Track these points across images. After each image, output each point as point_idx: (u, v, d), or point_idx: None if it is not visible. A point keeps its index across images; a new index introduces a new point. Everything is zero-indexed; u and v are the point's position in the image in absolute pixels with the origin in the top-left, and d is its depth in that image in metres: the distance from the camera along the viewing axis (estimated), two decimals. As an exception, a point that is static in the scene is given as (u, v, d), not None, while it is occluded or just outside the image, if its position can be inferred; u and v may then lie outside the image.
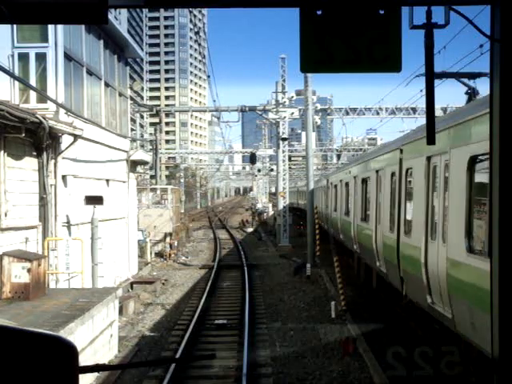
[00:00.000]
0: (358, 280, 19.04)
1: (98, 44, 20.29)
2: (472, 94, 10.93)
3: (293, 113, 35.52)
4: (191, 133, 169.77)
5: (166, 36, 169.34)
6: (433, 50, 2.85)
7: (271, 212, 57.03)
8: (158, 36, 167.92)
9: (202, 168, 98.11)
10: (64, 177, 16.38)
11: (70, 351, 1.60)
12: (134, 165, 24.47)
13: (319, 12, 2.67)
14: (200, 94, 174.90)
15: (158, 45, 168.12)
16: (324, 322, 15.96)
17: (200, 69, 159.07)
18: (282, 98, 35.37)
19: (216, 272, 26.33)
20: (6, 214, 13.54)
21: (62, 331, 9.98)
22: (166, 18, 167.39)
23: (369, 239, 15.57)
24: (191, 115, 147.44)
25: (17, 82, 15.77)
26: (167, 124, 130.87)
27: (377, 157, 15.79)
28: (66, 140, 16.02)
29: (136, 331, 15.97)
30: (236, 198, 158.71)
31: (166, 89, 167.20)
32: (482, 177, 7.66)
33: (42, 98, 15.94)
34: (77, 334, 10.87)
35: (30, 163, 14.96)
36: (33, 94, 16.14)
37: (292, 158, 59.26)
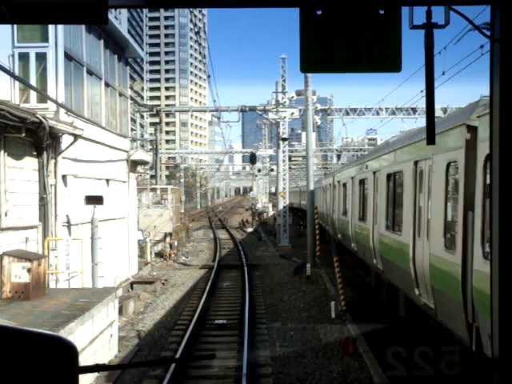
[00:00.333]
0: (378, 303, 15.58)
1: (99, 44, 20.29)
2: None
3: (293, 113, 35.52)
4: (191, 133, 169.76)
5: (166, 36, 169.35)
6: (433, 50, 2.85)
7: (271, 212, 57.02)
8: (158, 36, 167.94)
9: (202, 168, 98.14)
10: (64, 177, 16.38)
11: (69, 351, 1.60)
12: (134, 165, 24.47)
13: (319, 12, 2.67)
14: (200, 94, 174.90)
15: (158, 45, 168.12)
16: (324, 322, 15.95)
17: (200, 69, 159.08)
18: (282, 98, 35.37)
19: (216, 272, 26.32)
20: (6, 214, 13.54)
21: (61, 331, 9.98)
22: (166, 18, 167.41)
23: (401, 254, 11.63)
24: (191, 115, 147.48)
25: (17, 82, 15.77)
26: (167, 124, 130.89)
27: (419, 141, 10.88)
28: (66, 140, 16.02)
29: (136, 331, 15.97)
30: (236, 198, 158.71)
31: (166, 89, 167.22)
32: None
33: (43, 97, 15.94)
34: (77, 333, 10.87)
35: (30, 163, 14.96)
36: (33, 94, 16.14)
37: (292, 158, 59.30)
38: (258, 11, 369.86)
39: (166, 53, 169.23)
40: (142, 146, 49.79)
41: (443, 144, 8.83)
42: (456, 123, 8.38)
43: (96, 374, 11.24)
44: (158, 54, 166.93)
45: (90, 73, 19.17)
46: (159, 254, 31.93)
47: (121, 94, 23.13)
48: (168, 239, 33.45)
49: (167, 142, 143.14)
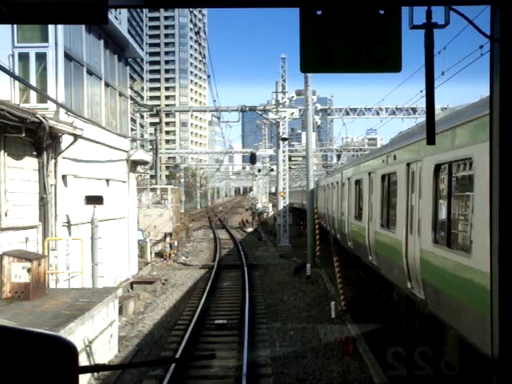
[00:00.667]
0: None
1: (99, 44, 20.29)
2: None
3: (293, 113, 35.51)
4: (191, 133, 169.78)
5: (166, 36, 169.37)
6: (433, 50, 2.85)
7: (271, 212, 57.01)
8: (158, 36, 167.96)
9: (202, 168, 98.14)
10: (64, 177, 16.38)
11: (69, 351, 1.60)
12: (134, 165, 24.47)
13: (319, 12, 2.67)
14: (200, 94, 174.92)
15: (158, 45, 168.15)
16: (324, 322, 15.95)
17: (200, 69, 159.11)
18: (282, 98, 35.37)
19: (216, 272, 26.33)
20: (6, 214, 13.54)
21: (62, 331, 9.98)
22: (166, 18, 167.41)
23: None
24: (191, 115, 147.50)
25: (17, 82, 15.77)
26: (167, 124, 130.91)
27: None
28: (66, 140, 16.02)
29: (136, 331, 15.97)
30: (236, 197, 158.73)
31: (166, 89, 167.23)
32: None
33: (42, 97, 15.94)
34: (77, 333, 10.87)
35: (30, 163, 14.96)
36: (33, 94, 16.14)
37: (292, 158, 59.28)
38: (257, 11, 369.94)
39: (166, 53, 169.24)
40: (142, 145, 49.80)
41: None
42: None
43: (96, 374, 11.24)
44: (157, 53, 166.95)
45: (89, 73, 19.17)
46: (159, 254, 31.93)
47: (121, 94, 23.13)
48: (168, 239, 33.46)
49: (167, 142, 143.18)
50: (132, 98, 31.79)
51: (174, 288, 22.88)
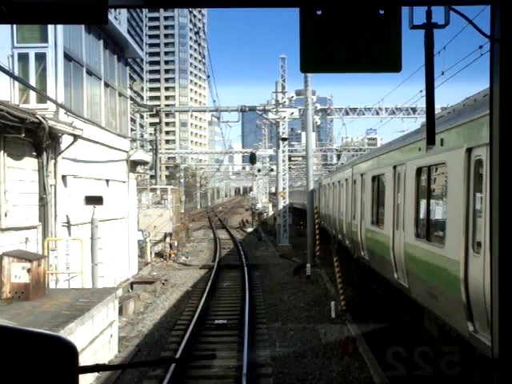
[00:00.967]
0: None
1: (98, 44, 20.29)
2: None
3: (293, 113, 35.52)
4: (191, 133, 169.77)
5: (166, 36, 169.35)
6: (433, 50, 2.85)
7: (271, 212, 57.00)
8: (157, 36, 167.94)
9: (202, 168, 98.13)
10: (64, 177, 16.38)
11: (69, 351, 1.60)
12: (133, 165, 24.48)
13: (319, 12, 2.68)
14: (200, 94, 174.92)
15: (157, 45, 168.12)
16: (324, 322, 15.95)
17: (200, 69, 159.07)
18: (282, 98, 35.37)
19: (216, 272, 26.32)
20: (6, 214, 13.54)
21: (61, 331, 9.98)
22: (165, 18, 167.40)
23: None
24: (191, 115, 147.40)
25: (16, 82, 15.77)
26: (167, 124, 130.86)
27: None
28: (65, 140, 16.02)
29: (136, 331, 15.97)
30: (236, 198, 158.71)
31: (166, 89, 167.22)
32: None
33: (42, 98, 15.94)
34: (77, 333, 10.87)
35: (30, 163, 14.96)
36: (32, 94, 16.14)
37: (292, 158, 59.29)
38: (257, 11, 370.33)
39: (166, 53, 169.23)
40: (142, 146, 49.81)
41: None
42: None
43: (96, 374, 11.24)
44: (157, 54, 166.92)
45: (89, 73, 19.17)
46: (159, 254, 31.93)
47: (120, 94, 23.13)
48: (168, 239, 33.45)
49: (167, 142, 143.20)
50: (132, 98, 31.78)
51: (174, 288, 22.88)
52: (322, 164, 70.60)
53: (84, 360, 10.60)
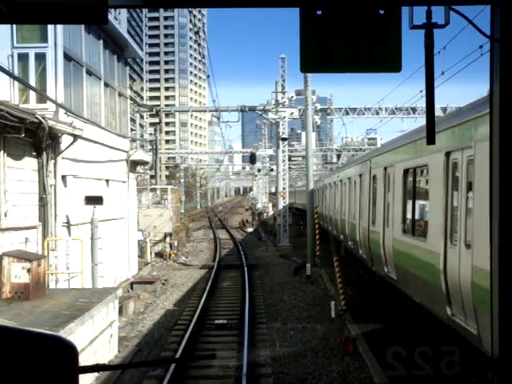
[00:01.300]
0: None
1: (98, 44, 20.29)
2: None
3: (293, 113, 35.51)
4: (191, 133, 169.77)
5: (166, 36, 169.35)
6: (433, 50, 2.85)
7: (271, 212, 57.00)
8: (157, 36, 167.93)
9: (202, 168, 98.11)
10: (64, 177, 16.38)
11: (69, 351, 1.60)
12: (133, 165, 24.47)
13: (319, 12, 2.68)
14: (200, 94, 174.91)
15: (157, 45, 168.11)
16: (324, 322, 15.95)
17: (200, 69, 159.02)
18: (282, 97, 35.37)
19: (216, 272, 26.33)
20: (5, 214, 13.54)
21: (61, 331, 9.98)
22: (165, 18, 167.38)
23: None
24: (191, 115, 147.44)
25: (16, 82, 15.77)
26: (167, 124, 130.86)
27: None
28: (65, 140, 16.02)
29: (136, 331, 15.97)
30: (236, 198, 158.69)
31: (166, 89, 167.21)
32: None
33: (42, 98, 15.94)
34: (77, 333, 10.87)
35: (30, 163, 14.96)
36: (32, 94, 16.13)
37: (292, 158, 59.25)
38: (257, 11, 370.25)
39: (166, 53, 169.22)
40: (142, 146, 49.79)
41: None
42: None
43: (96, 374, 11.24)
44: (157, 54, 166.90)
45: (89, 73, 19.16)
46: (159, 254, 31.93)
47: (120, 94, 23.12)
48: (168, 239, 33.45)
49: (167, 142, 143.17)
50: (131, 98, 31.78)
51: (173, 288, 22.88)
52: (322, 164, 70.59)
53: (84, 360, 10.60)
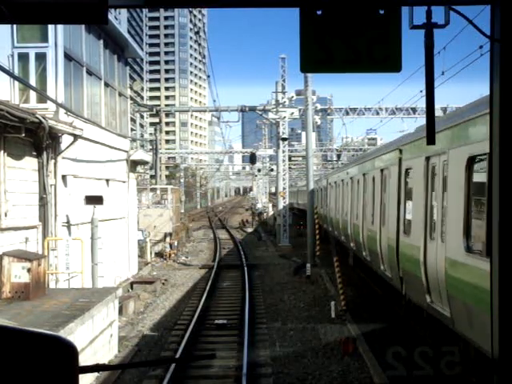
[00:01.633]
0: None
1: (98, 44, 20.29)
2: None
3: (293, 113, 35.51)
4: (191, 133, 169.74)
5: (166, 36, 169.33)
6: (433, 50, 2.85)
7: (271, 212, 56.99)
8: (157, 36, 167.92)
9: (202, 168, 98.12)
10: (64, 177, 16.38)
11: (69, 351, 1.60)
12: (134, 165, 24.47)
13: (319, 12, 2.68)
14: (200, 94, 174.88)
15: (157, 45, 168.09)
16: (324, 322, 15.95)
17: (200, 69, 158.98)
18: (282, 97, 35.37)
19: (216, 272, 26.32)
20: (5, 214, 13.53)
21: (62, 331, 9.98)
22: (165, 18, 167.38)
23: None
24: (191, 115, 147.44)
25: (17, 82, 15.77)
26: (167, 124, 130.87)
27: None
28: (65, 140, 16.02)
29: (136, 331, 15.97)
30: (236, 198, 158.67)
31: (166, 89, 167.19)
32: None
33: (42, 97, 15.94)
34: (77, 333, 10.87)
35: (30, 163, 14.96)
36: (33, 94, 16.13)
37: (292, 158, 59.26)
38: (257, 11, 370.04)
39: (166, 53, 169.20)
40: (142, 145, 49.78)
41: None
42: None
43: (96, 374, 11.24)
44: (157, 54, 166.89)
45: (89, 73, 19.16)
46: (159, 254, 31.92)
47: (120, 94, 23.12)
48: (168, 239, 33.45)
49: (167, 142, 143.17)
50: (132, 98, 31.78)
51: (173, 288, 22.88)
52: (322, 164, 70.61)
53: (84, 360, 10.60)
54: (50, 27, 16.00)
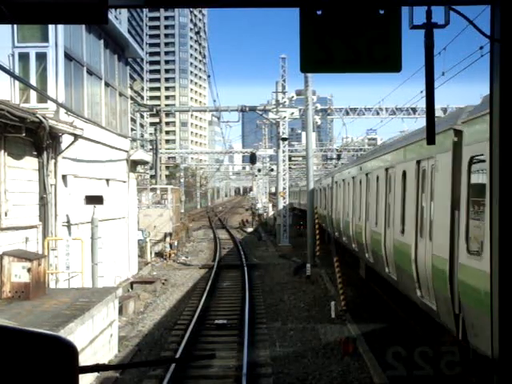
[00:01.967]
0: None
1: (99, 44, 20.29)
2: None
3: (293, 113, 35.51)
4: (191, 133, 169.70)
5: (167, 36, 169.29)
6: (433, 50, 2.85)
7: (271, 212, 56.98)
8: (158, 36, 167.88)
9: (202, 168, 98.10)
10: (64, 176, 16.38)
11: (69, 351, 1.60)
12: (134, 165, 24.46)
13: (319, 12, 2.68)
14: (200, 94, 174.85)
15: (158, 45, 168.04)
16: (324, 322, 15.95)
17: (200, 69, 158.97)
18: (282, 97, 35.37)
19: (216, 272, 26.32)
20: (6, 214, 13.53)
21: (62, 331, 9.98)
22: (166, 18, 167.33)
23: None
24: (191, 115, 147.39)
25: (17, 82, 15.77)
26: (167, 124, 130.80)
27: None
28: (66, 140, 16.02)
29: (136, 331, 15.97)
30: (236, 197, 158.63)
31: (166, 89, 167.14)
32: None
33: (43, 97, 15.94)
34: (77, 333, 10.87)
35: (31, 163, 14.96)
36: (33, 94, 16.13)
37: (292, 158, 59.24)
38: (257, 11, 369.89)
39: (166, 53, 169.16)
40: (142, 145, 49.79)
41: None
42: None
43: (96, 374, 11.24)
44: (158, 53, 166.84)
45: (89, 73, 19.16)
46: (159, 254, 31.92)
47: (121, 94, 23.12)
48: (168, 239, 33.45)
49: (167, 141, 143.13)
50: (132, 98, 31.79)
51: (173, 288, 22.88)
52: (322, 164, 70.61)
53: (84, 360, 10.60)
54: (51, 27, 16.00)
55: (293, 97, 36.07)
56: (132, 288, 21.83)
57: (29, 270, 12.71)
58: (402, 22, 2.69)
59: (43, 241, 15.25)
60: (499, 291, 2.59)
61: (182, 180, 79.22)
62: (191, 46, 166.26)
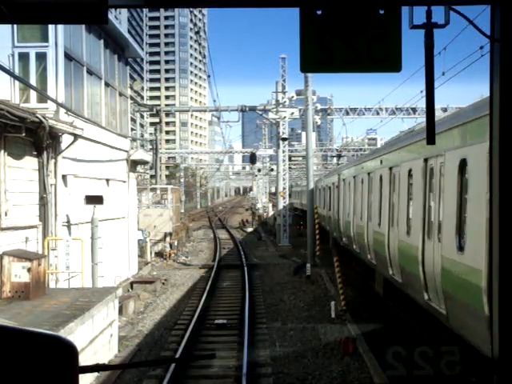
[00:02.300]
0: None
1: (99, 44, 20.29)
2: None
3: (293, 113, 35.52)
4: (191, 133, 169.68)
5: (166, 36, 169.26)
6: (433, 50, 2.85)
7: (271, 212, 56.98)
8: (158, 36, 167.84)
9: (202, 168, 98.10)
10: (64, 176, 16.38)
11: (69, 351, 1.60)
12: (134, 164, 24.46)
13: (319, 12, 2.68)
14: (200, 94, 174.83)
15: (158, 44, 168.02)
16: (324, 322, 15.95)
17: (200, 69, 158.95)
18: (282, 97, 35.38)
19: (216, 272, 26.32)
20: (6, 214, 13.53)
21: (62, 331, 9.98)
22: (166, 18, 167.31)
23: None
24: (191, 115, 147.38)
25: (17, 82, 15.77)
26: (167, 124, 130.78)
27: None
28: (66, 139, 16.02)
29: (136, 331, 15.97)
30: (236, 197, 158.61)
31: (166, 88, 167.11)
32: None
33: (42, 97, 15.94)
34: (77, 333, 10.87)
35: (31, 163, 14.96)
36: (33, 94, 16.13)
37: (292, 158, 59.26)
38: (257, 11, 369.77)
39: (166, 52, 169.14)
40: (142, 145, 49.78)
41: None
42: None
43: (96, 374, 11.24)
44: (158, 53, 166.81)
45: (89, 72, 19.16)
46: (159, 254, 31.92)
47: (121, 94, 23.12)
48: (168, 239, 33.45)
49: (167, 141, 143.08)
50: (132, 98, 31.79)
51: (173, 288, 22.88)
52: (323, 164, 70.64)
53: (84, 360, 10.60)
54: (51, 27, 16.00)
55: (293, 97, 36.07)
56: (132, 288, 21.83)
57: (29, 270, 12.71)
58: (402, 21, 2.70)
59: (43, 241, 15.25)
60: (499, 291, 2.59)
61: (181, 180, 79.23)
62: (191, 46, 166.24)
